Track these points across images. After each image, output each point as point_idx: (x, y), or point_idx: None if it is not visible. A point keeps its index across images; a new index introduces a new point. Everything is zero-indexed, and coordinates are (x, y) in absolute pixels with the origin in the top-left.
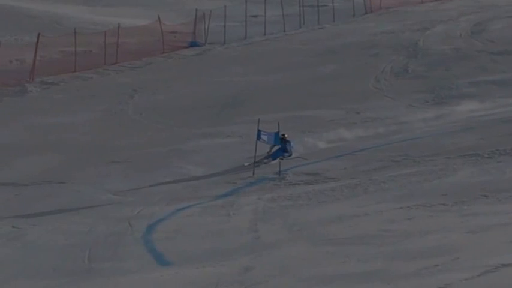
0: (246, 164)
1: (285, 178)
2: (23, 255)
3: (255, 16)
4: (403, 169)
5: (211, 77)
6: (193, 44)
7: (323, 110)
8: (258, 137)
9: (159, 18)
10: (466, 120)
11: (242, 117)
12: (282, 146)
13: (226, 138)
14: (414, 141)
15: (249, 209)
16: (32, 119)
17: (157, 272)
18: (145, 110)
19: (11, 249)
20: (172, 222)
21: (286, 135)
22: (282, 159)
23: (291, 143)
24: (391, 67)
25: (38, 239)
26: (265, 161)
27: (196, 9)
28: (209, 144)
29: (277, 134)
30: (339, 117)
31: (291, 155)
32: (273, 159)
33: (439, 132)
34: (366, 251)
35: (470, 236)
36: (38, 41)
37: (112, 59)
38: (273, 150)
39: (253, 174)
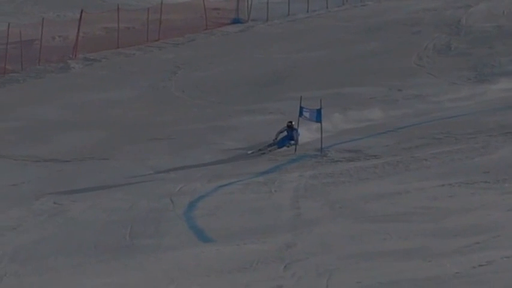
0: (249, 152)
1: (326, 155)
2: (65, 231)
3: None
4: (444, 147)
5: (253, 54)
6: (236, 21)
7: (365, 87)
8: (300, 114)
9: None
10: (508, 97)
11: (284, 94)
12: (289, 134)
13: (268, 115)
14: (456, 119)
15: (290, 186)
16: (74, 95)
17: (198, 248)
18: (187, 87)
19: (53, 225)
20: (214, 199)
21: (293, 123)
22: (288, 146)
23: (298, 131)
24: (433, 44)
25: (79, 216)
26: (269, 148)
27: None
28: (251, 121)
29: (319, 110)
30: (381, 95)
31: (297, 143)
32: (279, 147)
33: (481, 110)
34: (407, 229)
35: (511, 214)
36: (81, 18)
37: (155, 36)
38: (279, 138)
39: (295, 151)
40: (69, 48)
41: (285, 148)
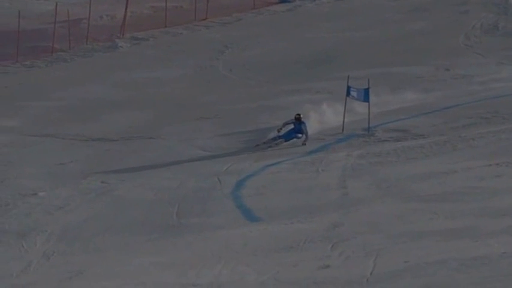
0: (254, 146)
1: (374, 135)
2: (112, 210)
3: None
4: (492, 126)
5: (301, 33)
6: (283, 0)
7: (412, 66)
8: (348, 93)
9: None
10: None
11: (331, 74)
12: (296, 127)
13: (315, 95)
14: (504, 99)
15: (337, 165)
16: (121, 74)
17: (246, 227)
18: (235, 66)
19: (100, 204)
20: (261, 178)
21: (301, 116)
22: (300, 139)
23: (306, 124)
24: (481, 24)
25: (127, 195)
26: (276, 142)
27: None
28: (298, 101)
29: (366, 90)
30: (428, 74)
31: (306, 136)
32: (286, 140)
33: None
34: (454, 208)
35: None
36: None
37: (202, 15)
38: (284, 130)
39: (343, 130)
40: (117, 27)
41: (291, 141)
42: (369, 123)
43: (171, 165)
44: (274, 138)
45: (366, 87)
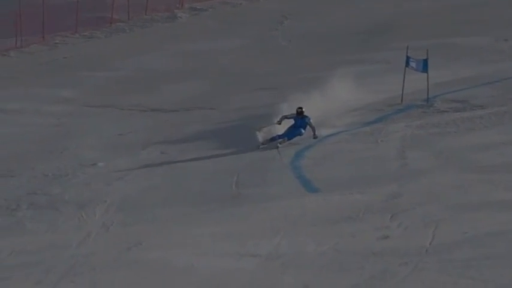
0: (260, 146)
1: (433, 105)
2: (171, 181)
3: None
4: None
5: (360, 4)
6: None
7: (471, 37)
8: (407, 64)
9: None
10: None
11: (390, 44)
12: (296, 122)
13: (374, 65)
14: None
15: (396, 136)
16: (180, 45)
17: (305, 198)
18: (294, 37)
19: (159, 175)
20: (320, 149)
21: (303, 109)
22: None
23: (310, 119)
24: None
25: (186, 165)
26: (279, 140)
27: None
28: (357, 71)
29: (425, 60)
30: (487, 45)
31: (315, 131)
32: (289, 139)
33: None
34: None
35: None
36: None
37: None
38: (282, 122)
39: (402, 101)
40: None
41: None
42: (427, 94)
43: (230, 136)
44: (274, 138)
45: (425, 57)
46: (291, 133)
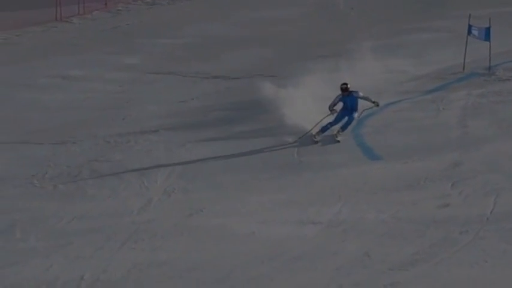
0: (292, 141)
1: (494, 74)
2: (233, 148)
3: None
4: None
5: None
6: None
7: None
8: (469, 32)
9: None
10: None
11: (452, 12)
12: (347, 103)
13: (435, 33)
14: None
15: (458, 104)
16: (243, 12)
17: (366, 165)
18: (356, 5)
19: (221, 142)
20: (381, 117)
21: (348, 85)
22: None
23: (359, 93)
24: None
25: (247, 132)
26: (335, 133)
27: None
28: (418, 39)
29: (488, 29)
30: None
31: (374, 101)
32: (343, 130)
33: None
34: None
35: None
36: None
37: None
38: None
39: (463, 69)
40: None
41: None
42: (490, 62)
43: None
44: (325, 128)
45: (487, 26)
46: (343, 120)
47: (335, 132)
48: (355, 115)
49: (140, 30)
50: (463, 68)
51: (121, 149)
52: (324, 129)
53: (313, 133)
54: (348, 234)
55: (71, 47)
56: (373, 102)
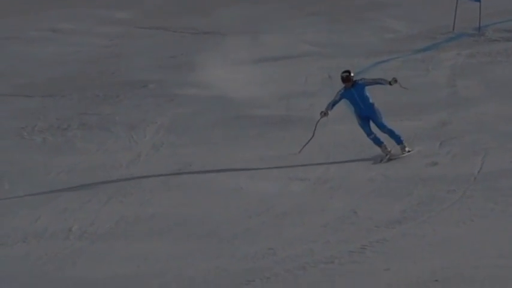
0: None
1: (484, 34)
2: (223, 103)
3: None
4: None
5: None
6: None
7: None
8: None
9: None
10: None
11: None
12: (354, 98)
13: None
14: None
15: (447, 64)
16: None
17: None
18: None
19: (211, 97)
20: (371, 75)
21: (351, 74)
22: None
23: (365, 79)
24: None
25: (238, 89)
26: (382, 147)
27: None
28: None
29: None
30: None
31: (389, 80)
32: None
33: None
34: None
35: None
36: None
37: None
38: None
39: (453, 29)
40: None
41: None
42: (479, 23)
43: (280, 60)
44: (376, 140)
45: None
46: (374, 124)
47: (400, 151)
48: (376, 106)
49: None
50: (453, 28)
51: (110, 102)
52: (376, 141)
53: (385, 153)
54: (336, 191)
55: (61, 1)
56: (389, 82)
